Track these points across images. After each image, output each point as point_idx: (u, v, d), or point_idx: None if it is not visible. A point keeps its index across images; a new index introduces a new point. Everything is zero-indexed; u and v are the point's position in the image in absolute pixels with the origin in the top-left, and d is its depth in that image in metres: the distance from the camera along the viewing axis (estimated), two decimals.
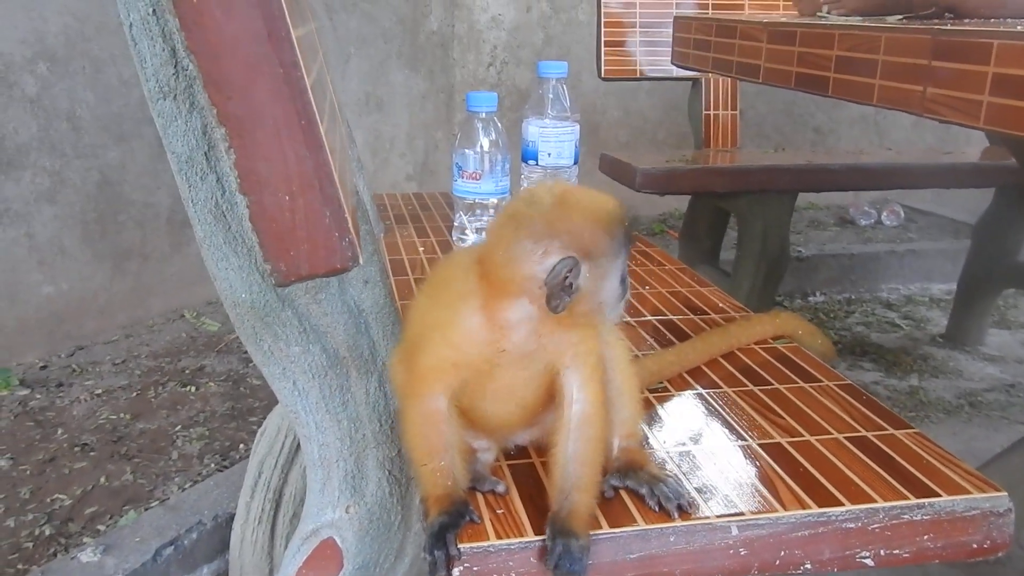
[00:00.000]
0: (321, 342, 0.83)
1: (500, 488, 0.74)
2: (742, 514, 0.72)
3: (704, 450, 0.83)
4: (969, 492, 0.76)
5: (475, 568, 0.67)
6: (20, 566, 1.47)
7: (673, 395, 0.96)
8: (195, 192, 0.73)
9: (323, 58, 0.96)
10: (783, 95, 3.67)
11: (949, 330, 2.66)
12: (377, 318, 0.88)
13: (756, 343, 1.10)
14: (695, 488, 0.76)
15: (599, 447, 0.71)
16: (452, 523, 0.67)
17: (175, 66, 0.69)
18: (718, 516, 0.72)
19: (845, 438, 0.85)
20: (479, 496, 0.74)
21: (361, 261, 0.57)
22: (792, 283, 3.00)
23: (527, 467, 0.79)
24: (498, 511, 0.72)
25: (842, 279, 3.11)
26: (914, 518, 0.74)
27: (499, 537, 0.68)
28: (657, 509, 0.72)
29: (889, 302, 3.01)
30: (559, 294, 0.65)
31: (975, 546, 0.75)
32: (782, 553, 0.72)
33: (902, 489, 0.76)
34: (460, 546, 0.67)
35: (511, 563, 0.68)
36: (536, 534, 0.69)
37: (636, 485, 0.74)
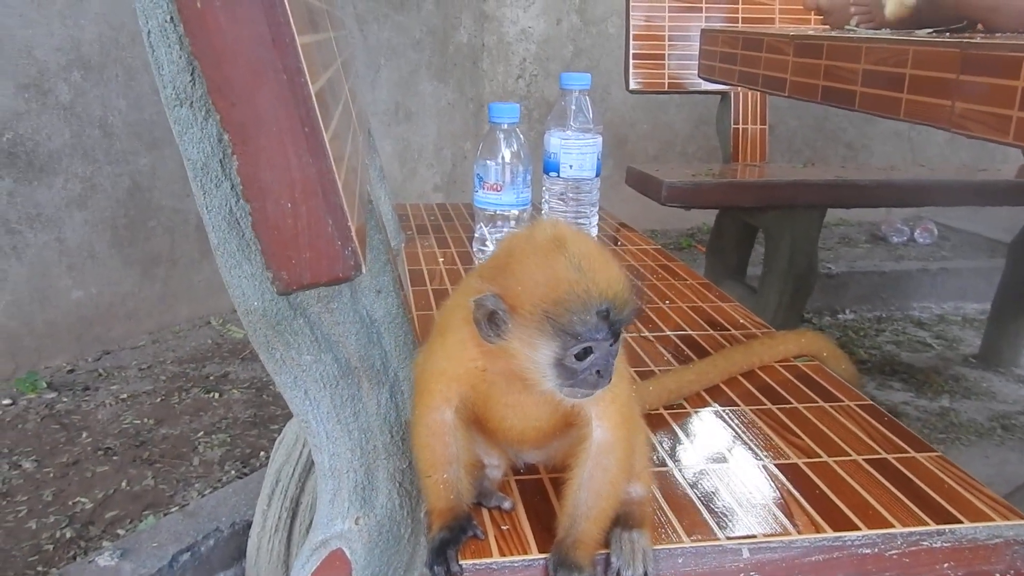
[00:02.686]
0: (333, 351, 0.82)
1: (506, 504, 0.73)
2: (754, 536, 0.70)
3: (719, 470, 0.81)
4: (992, 519, 0.73)
5: None
6: (40, 568, 1.48)
7: (690, 413, 0.95)
8: (209, 199, 0.73)
9: (343, 66, 0.96)
10: (814, 110, 3.63)
11: (982, 351, 2.61)
12: (389, 329, 0.87)
13: (777, 362, 1.08)
14: (708, 509, 0.74)
15: (618, 477, 0.67)
16: (453, 539, 0.66)
17: (192, 73, 0.69)
18: (729, 538, 0.70)
19: (864, 460, 0.83)
20: (485, 512, 0.73)
21: (364, 270, 0.57)
22: (821, 300, 2.96)
23: (535, 483, 0.78)
24: (503, 527, 0.71)
25: (873, 297, 3.06)
26: (933, 545, 0.71)
27: (503, 554, 0.67)
28: None
29: (921, 321, 2.95)
30: (484, 325, 0.62)
31: (997, 575, 0.72)
32: None
33: (922, 514, 0.74)
34: (463, 562, 0.66)
35: None
36: (541, 552, 0.67)
37: (615, 549, 0.68)
